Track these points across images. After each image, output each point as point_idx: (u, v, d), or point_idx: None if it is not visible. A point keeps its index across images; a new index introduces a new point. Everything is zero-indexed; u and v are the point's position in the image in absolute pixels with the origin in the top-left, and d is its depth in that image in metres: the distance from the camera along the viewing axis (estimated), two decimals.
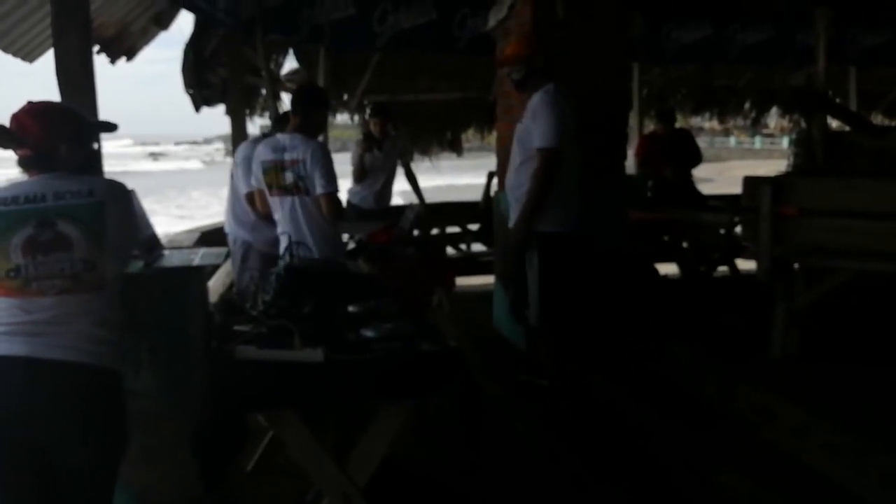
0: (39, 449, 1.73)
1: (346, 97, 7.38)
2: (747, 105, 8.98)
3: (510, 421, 3.54)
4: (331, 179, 3.29)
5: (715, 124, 13.41)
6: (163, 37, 5.41)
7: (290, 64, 6.78)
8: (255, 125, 6.76)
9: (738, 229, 5.35)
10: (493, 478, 2.95)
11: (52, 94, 2.66)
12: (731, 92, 8.72)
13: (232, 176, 4.11)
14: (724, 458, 3.12)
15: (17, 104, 1.91)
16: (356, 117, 7.58)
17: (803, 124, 6.93)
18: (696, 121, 11.68)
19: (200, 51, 5.82)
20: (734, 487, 2.90)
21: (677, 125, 6.85)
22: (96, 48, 4.63)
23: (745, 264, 5.45)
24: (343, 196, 4.50)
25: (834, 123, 5.45)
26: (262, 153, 3.43)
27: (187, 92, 5.88)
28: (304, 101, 3.51)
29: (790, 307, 3.84)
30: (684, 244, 6.30)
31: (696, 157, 6.42)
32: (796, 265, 3.98)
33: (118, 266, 1.90)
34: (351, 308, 2.48)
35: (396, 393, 2.11)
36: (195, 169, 43.47)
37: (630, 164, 5.83)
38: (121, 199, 1.90)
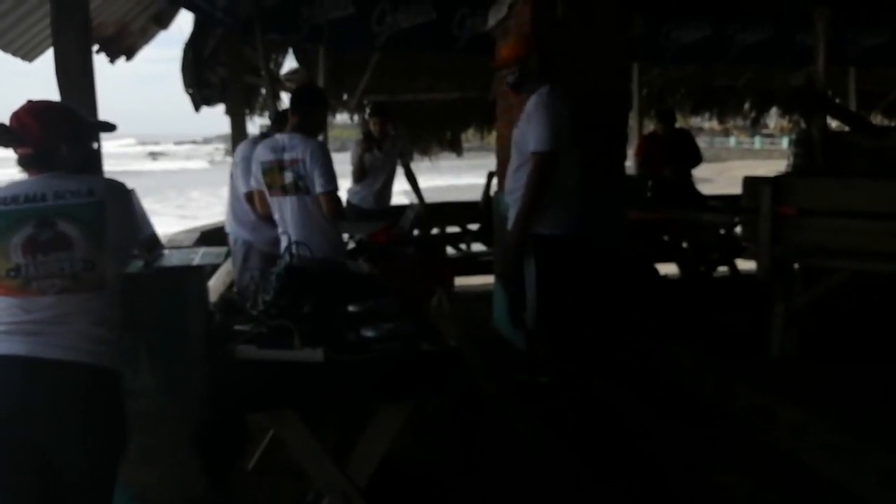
0: (39, 448, 1.73)
1: (345, 97, 7.38)
2: (747, 105, 8.99)
3: (509, 421, 3.54)
4: (330, 178, 3.29)
5: (714, 124, 13.41)
6: (162, 36, 5.42)
7: (289, 63, 6.79)
8: (255, 125, 6.77)
9: (738, 229, 5.36)
10: (493, 478, 2.95)
11: (51, 93, 2.67)
12: (730, 92, 8.73)
13: (232, 175, 4.11)
14: (723, 457, 3.12)
15: (17, 104, 1.91)
16: (356, 117, 7.59)
17: (803, 124, 6.93)
18: (695, 121, 11.70)
19: (200, 50, 5.81)
20: (734, 487, 2.90)
21: (677, 125, 6.85)
22: (95, 47, 4.63)
23: (745, 264, 5.45)
24: (343, 196, 4.51)
25: (833, 124, 5.44)
26: (262, 153, 3.43)
27: (187, 91, 5.88)
28: (303, 101, 3.50)
29: (789, 307, 3.84)
30: (684, 244, 6.31)
31: (696, 158, 6.43)
32: (796, 265, 3.98)
33: (118, 265, 1.90)
34: (351, 308, 2.48)
35: (396, 393, 2.11)
36: (201, 168, 43.26)
37: (630, 165, 5.84)
38: (121, 199, 1.90)
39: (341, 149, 9.81)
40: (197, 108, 5.98)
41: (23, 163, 1.89)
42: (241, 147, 4.09)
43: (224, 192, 4.34)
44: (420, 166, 7.50)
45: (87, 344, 1.76)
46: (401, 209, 5.30)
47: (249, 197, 3.76)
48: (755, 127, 12.38)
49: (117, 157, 44.29)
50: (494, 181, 5.51)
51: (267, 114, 6.48)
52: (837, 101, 7.97)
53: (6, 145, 1.87)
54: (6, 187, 1.85)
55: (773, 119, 10.18)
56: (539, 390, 3.83)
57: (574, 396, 3.81)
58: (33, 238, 1.76)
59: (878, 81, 8.66)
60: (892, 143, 4.76)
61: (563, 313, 3.71)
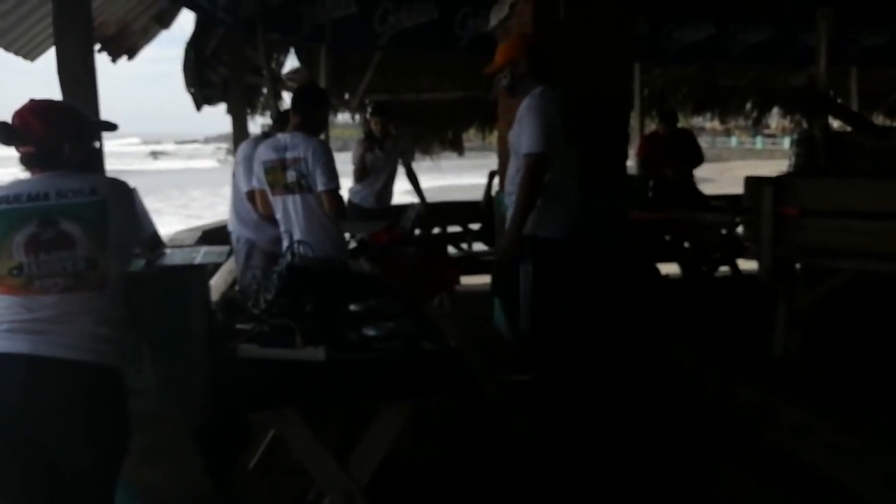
0: (42, 447, 1.73)
1: (347, 96, 7.38)
2: (749, 105, 8.98)
3: (510, 421, 3.54)
4: (332, 176, 3.30)
5: (716, 124, 13.42)
6: (164, 35, 5.41)
7: (291, 63, 6.79)
8: (257, 124, 6.77)
9: (740, 229, 5.35)
10: (493, 477, 2.95)
11: (53, 92, 2.66)
12: (732, 92, 8.72)
13: (234, 175, 4.12)
14: (725, 457, 3.12)
15: (19, 103, 1.91)
16: (357, 116, 7.59)
17: (805, 124, 6.93)
18: (697, 121, 11.68)
19: (201, 50, 5.81)
20: (736, 487, 2.90)
21: (679, 125, 6.85)
22: (97, 47, 4.63)
23: (747, 264, 5.45)
24: (344, 195, 4.52)
25: (835, 124, 5.44)
26: (264, 153, 3.43)
27: (188, 91, 5.88)
28: (304, 101, 3.51)
29: (792, 307, 3.83)
30: (686, 244, 6.31)
31: (698, 158, 6.43)
32: (798, 265, 3.98)
33: (120, 264, 1.90)
34: (353, 307, 2.48)
35: (398, 392, 2.11)
36: (209, 168, 43.04)
37: (631, 164, 5.83)
38: (123, 198, 1.91)
39: (343, 148, 9.82)
40: (198, 107, 5.99)
41: (25, 162, 1.89)
42: (243, 146, 4.10)
43: (226, 192, 4.35)
44: (421, 166, 7.50)
45: (90, 342, 1.76)
46: (402, 208, 5.31)
47: (251, 196, 3.77)
48: (757, 127, 12.37)
49: (120, 156, 44.24)
50: (496, 181, 5.50)
51: (268, 113, 6.49)
52: (839, 101, 7.95)
53: (9, 144, 1.87)
54: (9, 186, 1.85)
55: (775, 119, 10.19)
56: (536, 389, 3.82)
57: (574, 396, 3.81)
58: (36, 237, 1.76)
59: (880, 81, 8.65)
60: (894, 143, 4.76)
61: (558, 316, 3.70)
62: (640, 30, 6.45)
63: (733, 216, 5.43)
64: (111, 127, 2.16)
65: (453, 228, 6.80)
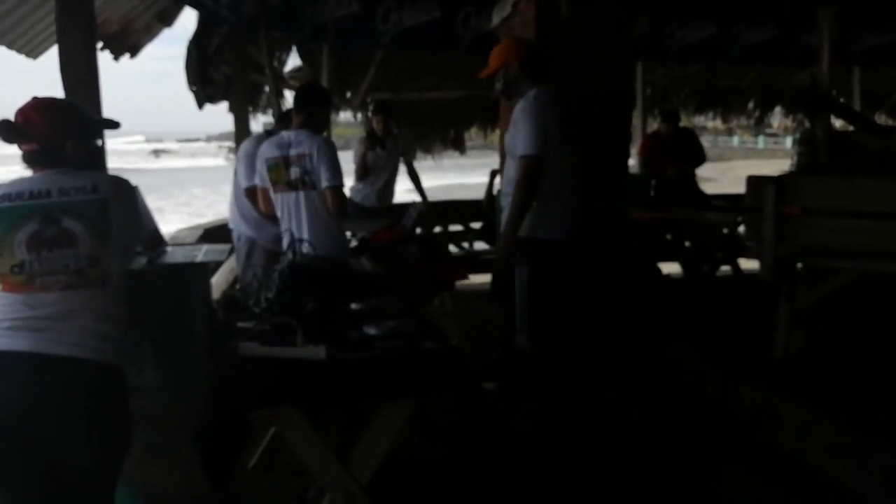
0: (43, 445, 1.73)
1: (349, 95, 7.38)
2: (751, 105, 8.97)
3: (510, 421, 3.54)
4: (336, 174, 3.31)
5: (718, 124, 13.41)
6: (166, 34, 5.42)
7: (293, 61, 6.78)
8: (258, 122, 6.77)
9: (741, 229, 5.35)
10: (493, 477, 2.95)
11: (55, 90, 2.67)
12: (734, 91, 8.71)
13: (235, 172, 4.12)
14: (726, 457, 3.11)
15: (22, 101, 1.91)
16: (359, 115, 7.58)
17: (807, 124, 6.92)
18: (699, 120, 11.67)
19: (204, 48, 5.82)
20: (736, 487, 2.90)
21: (681, 124, 6.85)
22: (100, 45, 4.63)
23: (748, 264, 5.45)
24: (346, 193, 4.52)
25: (838, 123, 5.44)
26: (267, 150, 3.44)
27: (191, 89, 5.89)
28: (307, 100, 3.52)
29: (793, 307, 3.83)
30: (687, 243, 6.30)
31: (700, 157, 6.42)
32: (800, 265, 3.97)
33: (122, 262, 1.91)
34: (354, 305, 2.49)
35: (399, 391, 2.11)
36: (217, 166, 42.81)
37: (633, 164, 5.82)
38: (125, 196, 1.91)
39: (345, 147, 9.80)
40: (201, 105, 6.00)
41: (28, 159, 1.90)
42: (245, 144, 4.10)
43: (228, 190, 4.35)
44: (423, 165, 7.49)
45: (92, 340, 1.76)
46: (403, 207, 5.30)
47: (249, 193, 3.78)
48: (759, 126, 12.36)
49: (123, 154, 44.19)
50: (497, 179, 5.50)
51: (270, 112, 6.49)
52: (842, 100, 7.94)
53: (11, 141, 1.87)
54: (11, 184, 1.85)
55: (777, 118, 10.18)
56: (536, 389, 3.82)
57: (574, 396, 3.80)
58: (38, 234, 1.76)
59: (882, 81, 8.64)
60: None
61: (554, 318, 3.68)
62: (641, 29, 6.44)
63: (735, 216, 5.42)
64: (113, 125, 2.17)
65: (455, 227, 6.80)
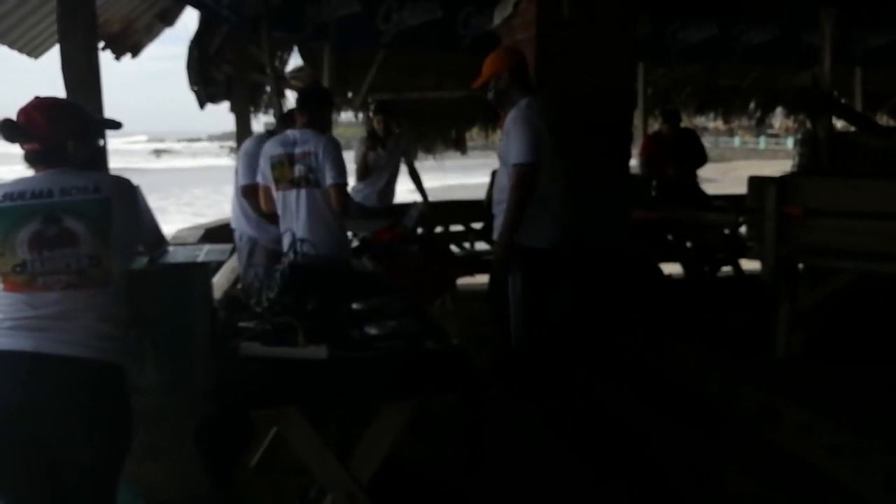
0: (44, 444, 1.73)
1: (350, 95, 7.37)
2: (752, 105, 8.96)
3: (510, 421, 3.54)
4: (341, 172, 3.33)
5: (719, 124, 13.39)
6: (168, 33, 5.43)
7: (294, 61, 6.78)
8: (260, 122, 6.78)
9: (743, 229, 5.34)
10: (494, 477, 2.95)
11: (57, 90, 2.67)
12: (735, 92, 8.69)
13: (236, 171, 4.12)
14: (727, 458, 3.12)
15: (23, 101, 1.92)
16: (360, 115, 7.58)
17: (808, 124, 6.91)
18: (700, 120, 11.66)
19: (205, 48, 5.82)
20: (738, 487, 2.90)
21: (682, 125, 6.84)
22: (101, 44, 4.64)
23: (750, 264, 5.44)
24: None
25: (839, 124, 5.44)
26: (270, 148, 3.45)
27: (192, 89, 5.89)
28: (310, 101, 3.54)
29: (794, 308, 3.83)
30: (688, 244, 6.29)
31: (702, 157, 6.42)
32: (801, 265, 3.97)
33: (123, 262, 1.91)
34: (355, 305, 2.49)
35: (400, 390, 2.11)
36: (224, 165, 42.76)
37: (634, 164, 5.82)
38: (127, 196, 1.91)
39: (345, 147, 9.79)
40: (202, 105, 6.00)
41: (29, 159, 1.90)
42: (247, 143, 4.11)
43: (230, 189, 4.36)
44: (424, 165, 7.49)
45: (93, 340, 1.76)
46: (404, 207, 5.30)
47: (246, 191, 3.79)
48: (760, 127, 12.36)
49: (125, 154, 44.18)
50: None
51: (272, 111, 6.49)
52: (843, 101, 7.94)
53: (13, 141, 1.87)
54: (13, 183, 1.85)
55: (779, 119, 10.16)
56: (536, 389, 3.81)
57: (574, 396, 3.80)
58: (39, 234, 1.76)
59: (883, 82, 8.63)
60: None
61: (548, 324, 3.67)
62: (643, 29, 6.44)
63: (736, 216, 5.42)
64: (115, 125, 2.17)
65: (456, 227, 6.80)
